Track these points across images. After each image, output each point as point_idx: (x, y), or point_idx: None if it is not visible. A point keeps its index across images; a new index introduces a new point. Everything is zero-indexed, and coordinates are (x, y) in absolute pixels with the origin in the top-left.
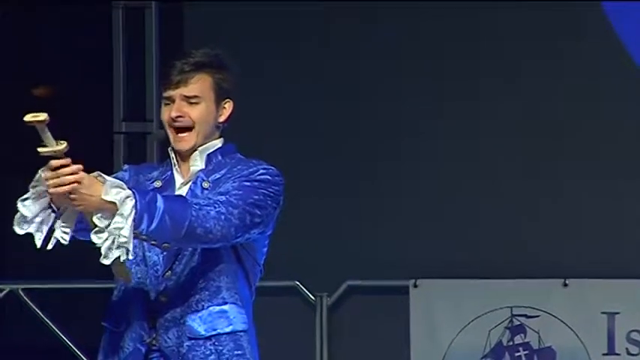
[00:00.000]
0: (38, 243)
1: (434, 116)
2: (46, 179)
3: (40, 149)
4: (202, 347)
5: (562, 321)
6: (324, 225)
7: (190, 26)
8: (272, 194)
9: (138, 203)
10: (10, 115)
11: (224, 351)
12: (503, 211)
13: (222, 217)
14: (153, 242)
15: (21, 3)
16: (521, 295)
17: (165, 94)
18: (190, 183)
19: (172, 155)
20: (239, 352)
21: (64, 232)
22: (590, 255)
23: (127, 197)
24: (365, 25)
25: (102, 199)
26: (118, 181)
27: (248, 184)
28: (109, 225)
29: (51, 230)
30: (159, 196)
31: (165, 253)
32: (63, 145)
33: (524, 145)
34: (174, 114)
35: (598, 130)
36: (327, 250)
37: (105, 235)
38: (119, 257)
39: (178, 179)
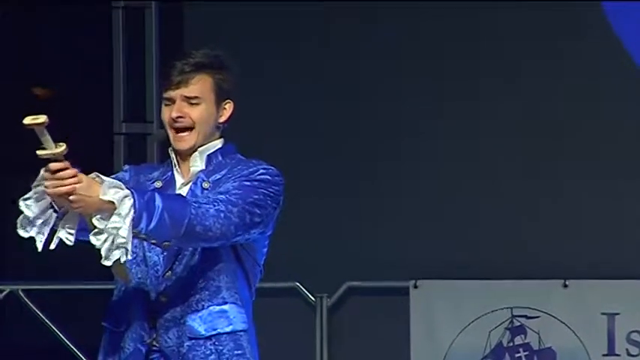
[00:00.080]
0: (39, 246)
1: (434, 116)
2: (45, 182)
3: (39, 152)
4: (202, 347)
5: (562, 322)
6: (324, 225)
7: (190, 26)
8: (272, 194)
9: (136, 202)
10: (10, 115)
11: (224, 351)
12: (503, 211)
13: (222, 215)
14: (153, 241)
15: (21, 3)
16: (522, 295)
17: (166, 95)
18: (190, 183)
19: (173, 156)
20: (239, 351)
21: (69, 234)
22: (590, 255)
23: (126, 197)
24: (365, 25)
25: (100, 200)
26: (116, 181)
27: (248, 183)
28: (107, 225)
29: (52, 231)
30: (157, 195)
31: (165, 253)
32: (62, 148)
33: (524, 145)
34: (174, 115)
35: (598, 130)
36: (327, 251)
37: (104, 236)
38: (119, 258)
39: (179, 180)
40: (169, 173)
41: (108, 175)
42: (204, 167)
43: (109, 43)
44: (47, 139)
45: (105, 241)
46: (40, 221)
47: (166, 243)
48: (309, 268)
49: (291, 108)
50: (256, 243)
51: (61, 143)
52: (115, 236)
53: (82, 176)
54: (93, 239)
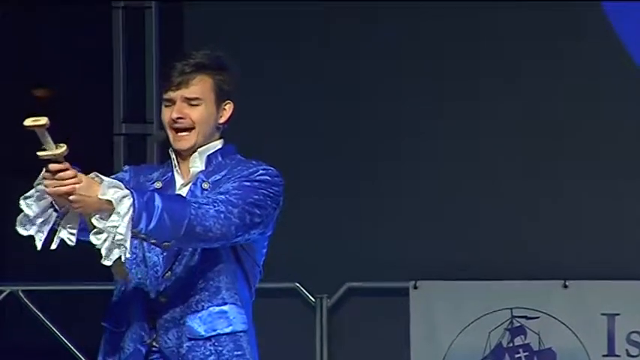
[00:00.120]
0: (39, 245)
1: (434, 116)
2: (45, 182)
3: (39, 153)
4: (202, 348)
5: (562, 322)
6: (324, 225)
7: (190, 26)
8: (272, 195)
9: (136, 202)
10: (10, 116)
11: (224, 351)
12: (503, 211)
13: (222, 215)
14: (152, 242)
15: (21, 3)
16: (522, 296)
17: (166, 96)
18: (190, 184)
19: (173, 156)
20: (239, 352)
21: (71, 234)
22: (590, 256)
23: (125, 196)
24: (365, 25)
25: (100, 199)
26: (116, 181)
27: (248, 184)
28: (106, 224)
29: (52, 230)
30: (157, 195)
31: (165, 253)
32: (62, 149)
33: (524, 145)
34: (174, 115)
35: (598, 130)
36: (327, 251)
37: (104, 235)
38: (120, 257)
39: (179, 180)
40: (169, 174)
41: (108, 176)
42: (204, 168)
43: (109, 43)
44: (48, 140)
45: (105, 240)
46: (40, 220)
47: (166, 243)
48: (309, 268)
49: (291, 108)
50: (256, 243)
51: (61, 144)
52: (114, 234)
53: (81, 176)
54: (93, 239)
